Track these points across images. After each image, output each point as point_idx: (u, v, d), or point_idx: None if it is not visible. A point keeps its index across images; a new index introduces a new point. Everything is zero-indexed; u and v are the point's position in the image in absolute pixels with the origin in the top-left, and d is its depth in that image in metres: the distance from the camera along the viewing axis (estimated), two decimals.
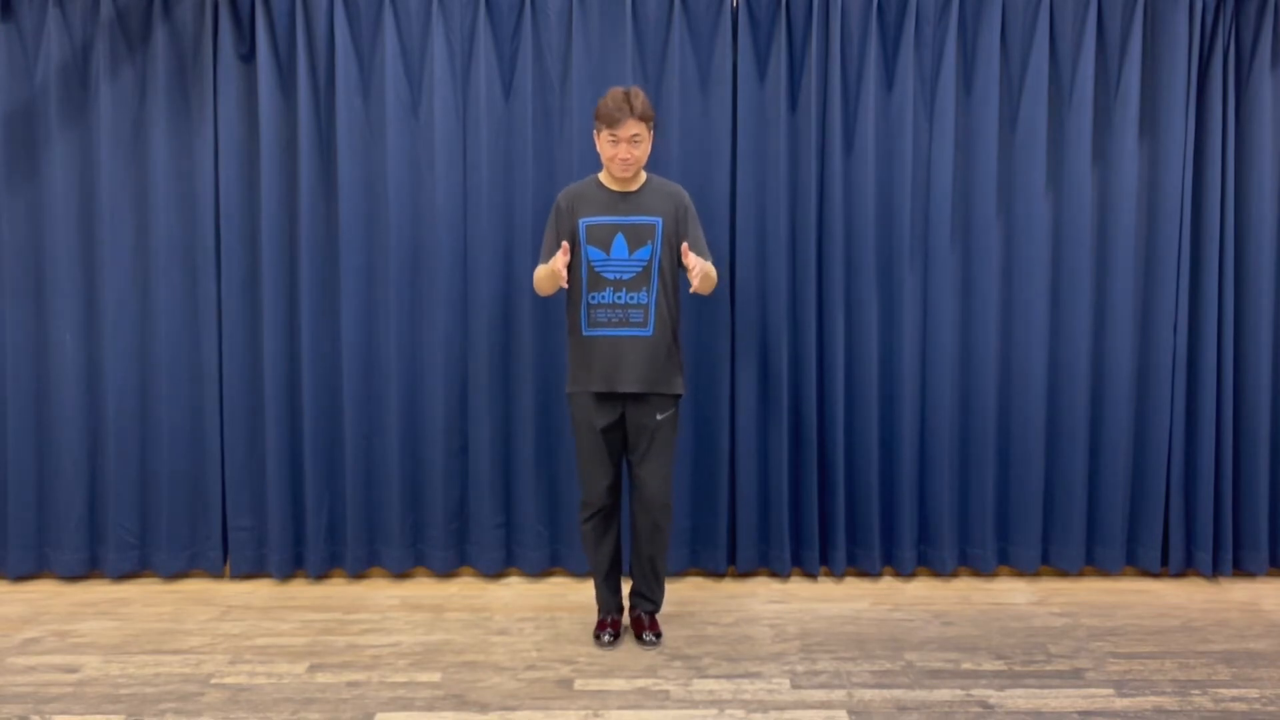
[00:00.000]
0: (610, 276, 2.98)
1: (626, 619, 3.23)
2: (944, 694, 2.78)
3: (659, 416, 3.02)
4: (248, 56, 3.54)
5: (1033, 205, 3.58)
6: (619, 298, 2.98)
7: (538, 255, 3.54)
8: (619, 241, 2.98)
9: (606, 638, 3.10)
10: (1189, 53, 3.53)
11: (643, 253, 2.98)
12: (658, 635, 3.12)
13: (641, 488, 3.04)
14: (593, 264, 2.99)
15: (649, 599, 3.16)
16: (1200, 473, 3.64)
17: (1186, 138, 3.55)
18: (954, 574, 3.75)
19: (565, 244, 2.89)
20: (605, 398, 3.02)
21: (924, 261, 3.62)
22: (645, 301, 2.99)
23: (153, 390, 3.60)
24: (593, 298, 3.00)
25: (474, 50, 3.53)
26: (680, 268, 3.06)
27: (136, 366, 3.60)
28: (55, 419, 3.60)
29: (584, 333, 3.02)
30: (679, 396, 3.08)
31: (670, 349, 3.03)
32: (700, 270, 2.87)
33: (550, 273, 2.96)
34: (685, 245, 2.92)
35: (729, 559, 3.72)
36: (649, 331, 2.99)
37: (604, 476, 3.05)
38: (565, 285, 2.93)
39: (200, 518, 3.67)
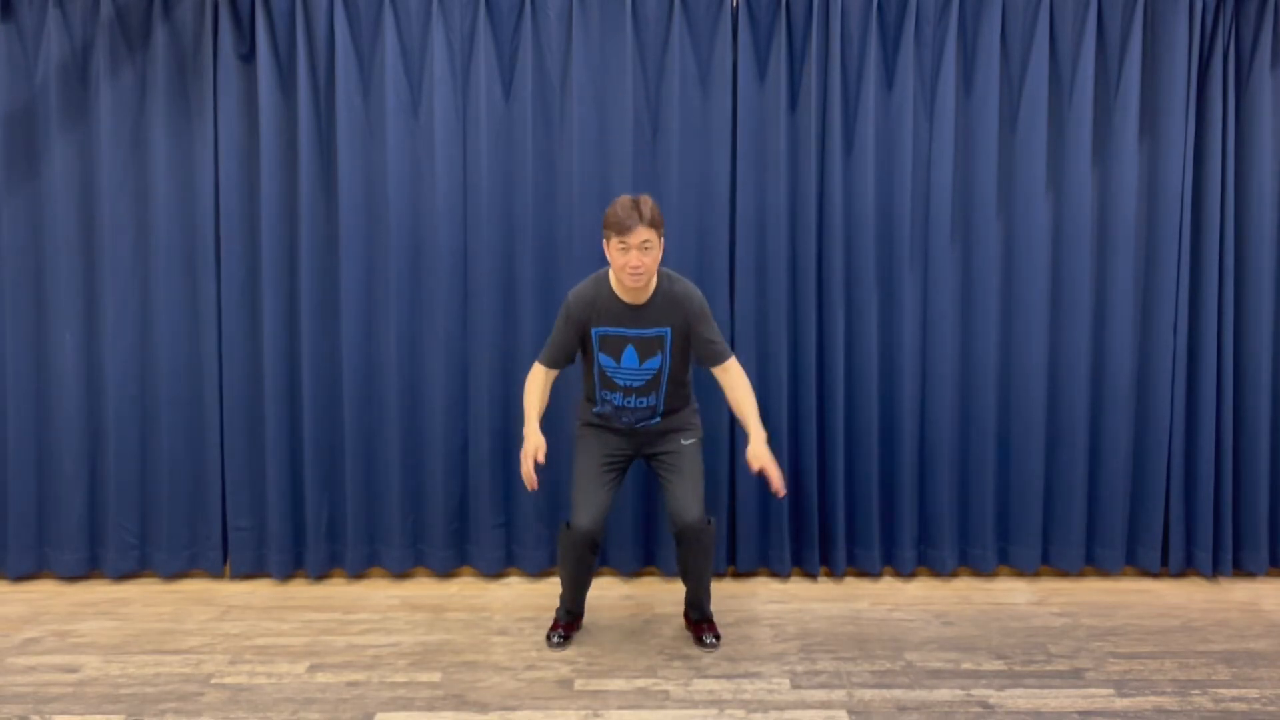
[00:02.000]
0: (620, 382, 3.00)
1: (642, 614, 3.23)
2: (944, 694, 2.78)
3: (684, 442, 3.06)
4: (248, 56, 3.54)
5: (1033, 205, 3.58)
6: (628, 402, 3.02)
7: (537, 255, 3.55)
8: (629, 352, 2.99)
9: (556, 639, 3.12)
10: (1189, 53, 3.53)
11: (652, 363, 2.99)
12: (717, 637, 3.12)
13: (680, 517, 2.96)
14: (604, 369, 3.02)
15: (700, 609, 3.16)
16: (1200, 473, 3.64)
17: (1186, 138, 3.55)
18: (954, 574, 3.75)
19: (539, 458, 2.93)
20: (614, 432, 3.08)
21: (924, 261, 3.62)
22: (654, 403, 3.03)
23: (153, 390, 3.60)
24: (604, 394, 3.04)
25: (474, 50, 3.53)
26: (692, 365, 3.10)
27: (136, 366, 3.60)
28: (55, 419, 3.60)
29: (595, 410, 3.09)
30: (699, 428, 3.15)
31: (680, 415, 3.10)
32: (774, 467, 2.90)
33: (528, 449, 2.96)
34: (750, 457, 2.91)
35: (729, 559, 3.72)
36: (657, 420, 3.06)
37: (596, 506, 2.99)
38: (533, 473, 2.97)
39: (200, 518, 3.67)
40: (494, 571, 3.69)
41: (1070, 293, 3.62)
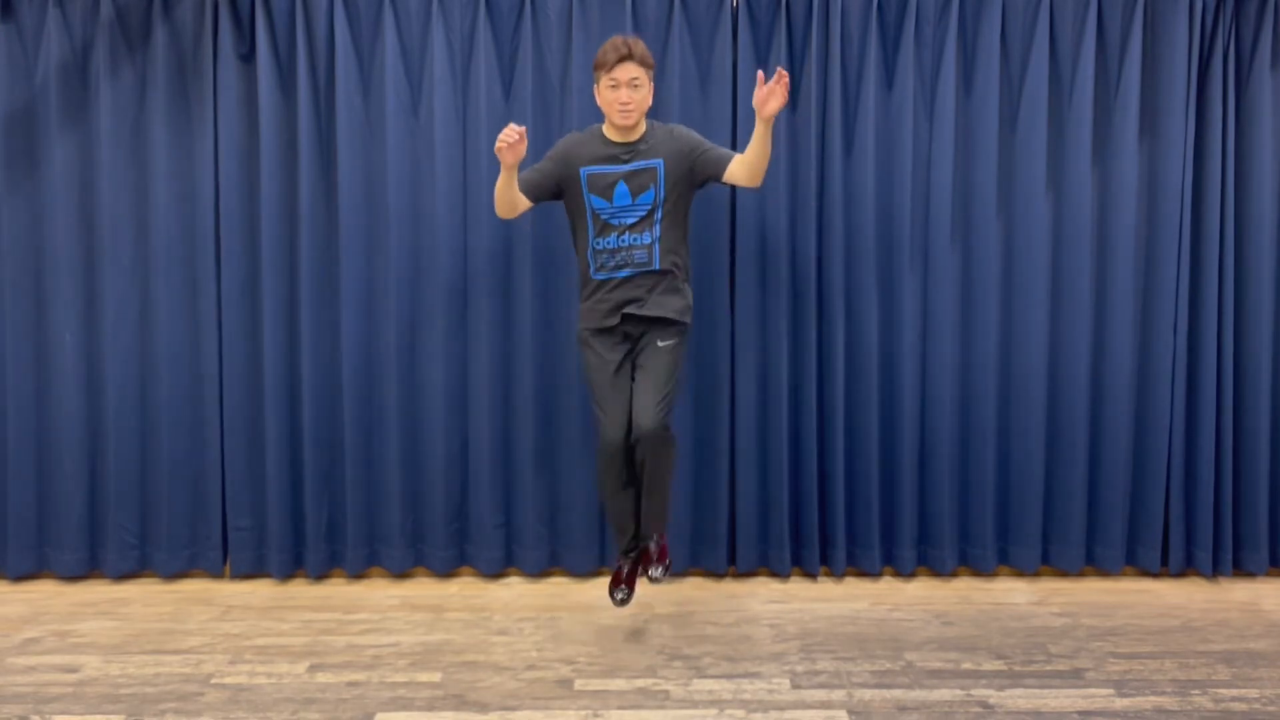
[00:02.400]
0: (615, 223, 3.01)
1: (644, 614, 3.23)
2: (944, 694, 2.78)
3: (660, 344, 3.02)
4: (248, 56, 3.54)
5: (1033, 205, 3.58)
6: (623, 240, 3.00)
7: (537, 255, 3.55)
8: (621, 189, 3.00)
9: (621, 595, 3.08)
10: (1189, 53, 3.53)
11: (645, 197, 2.99)
12: (665, 568, 3.10)
13: (638, 416, 2.97)
14: (597, 212, 3.01)
15: (653, 522, 3.09)
16: (1200, 473, 3.64)
17: (1186, 138, 3.55)
18: (954, 574, 3.75)
19: (523, 129, 2.86)
20: (610, 333, 3.04)
21: (924, 261, 3.62)
22: (648, 241, 3.00)
23: (153, 390, 3.60)
24: (598, 243, 3.02)
25: (474, 50, 3.53)
26: (711, 182, 3.09)
27: (136, 366, 3.60)
28: (55, 419, 3.60)
29: (592, 275, 3.06)
30: (684, 327, 3.08)
31: (676, 281, 3.05)
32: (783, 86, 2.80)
33: (505, 147, 2.84)
34: (759, 75, 2.83)
35: (729, 559, 3.72)
36: (655, 266, 3.01)
37: (618, 415, 3.00)
38: (515, 159, 2.88)
39: (200, 518, 3.67)
40: (494, 571, 3.69)
41: (1070, 293, 3.62)
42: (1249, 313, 3.63)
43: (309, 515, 3.63)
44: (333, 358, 3.61)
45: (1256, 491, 3.67)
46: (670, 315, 3.03)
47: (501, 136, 2.85)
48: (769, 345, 3.61)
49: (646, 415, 2.96)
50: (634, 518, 3.13)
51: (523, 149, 2.89)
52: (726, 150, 3.07)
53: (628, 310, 3.01)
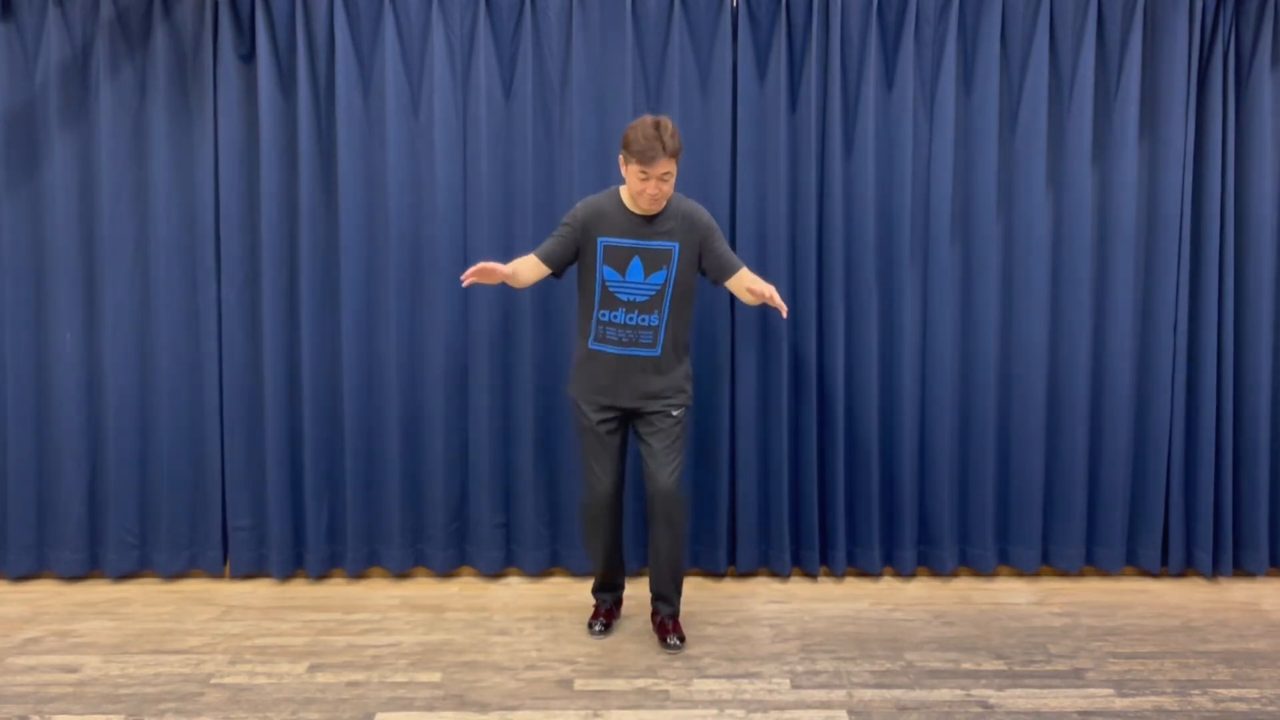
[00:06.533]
0: (624, 298, 2.99)
1: (643, 614, 3.24)
2: (944, 694, 2.78)
3: (674, 413, 3.04)
4: (248, 56, 3.54)
5: (1033, 205, 3.58)
6: (631, 319, 2.99)
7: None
8: (635, 265, 2.98)
9: (598, 627, 3.15)
10: (1189, 53, 3.53)
11: (657, 277, 2.98)
12: (682, 639, 3.10)
13: (652, 482, 3.02)
14: (607, 284, 3.00)
15: (668, 601, 3.14)
16: (1200, 473, 3.64)
17: (1186, 137, 3.55)
18: (954, 574, 3.75)
19: (506, 271, 2.94)
20: (607, 405, 3.06)
21: (924, 261, 3.62)
22: (656, 324, 3.00)
23: (153, 390, 3.60)
24: (603, 315, 3.01)
25: (474, 50, 3.53)
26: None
27: (136, 366, 3.60)
28: (55, 419, 3.60)
29: (590, 345, 3.04)
30: (690, 395, 3.12)
31: (678, 367, 3.06)
32: (771, 291, 2.93)
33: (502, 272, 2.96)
34: (769, 293, 2.91)
35: (729, 559, 3.72)
36: (657, 352, 3.01)
37: (607, 475, 3.07)
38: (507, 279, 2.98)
39: (200, 518, 3.67)
40: (494, 571, 3.69)
41: (1070, 293, 3.62)
42: (1249, 313, 3.63)
43: (309, 515, 3.64)
44: (333, 357, 3.61)
45: (1256, 491, 3.67)
46: (679, 401, 3.05)
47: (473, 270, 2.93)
48: (769, 345, 3.61)
49: (664, 477, 2.99)
50: (618, 572, 3.24)
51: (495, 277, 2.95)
52: (733, 259, 3.06)
53: (624, 405, 3.02)
